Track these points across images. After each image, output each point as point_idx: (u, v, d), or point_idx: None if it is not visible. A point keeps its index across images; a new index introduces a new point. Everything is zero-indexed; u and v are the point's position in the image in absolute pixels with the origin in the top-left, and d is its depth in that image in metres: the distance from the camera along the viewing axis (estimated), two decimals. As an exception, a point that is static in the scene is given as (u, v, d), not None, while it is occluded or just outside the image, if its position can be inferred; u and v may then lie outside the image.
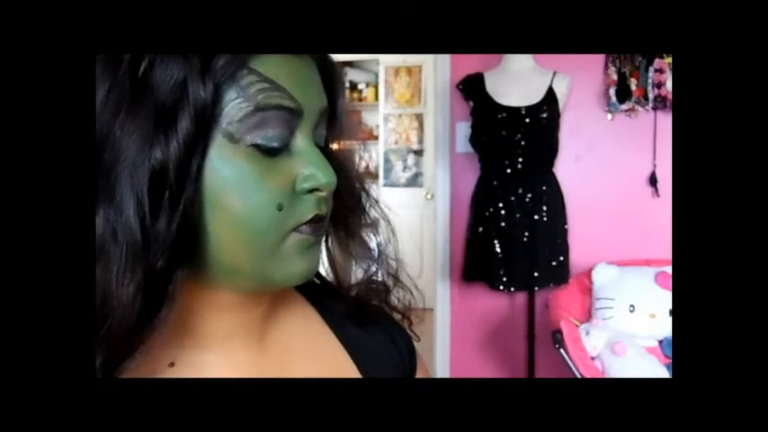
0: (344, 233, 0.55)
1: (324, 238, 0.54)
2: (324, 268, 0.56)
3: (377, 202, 0.57)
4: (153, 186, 0.39)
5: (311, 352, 0.54)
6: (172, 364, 0.47)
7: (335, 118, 0.52)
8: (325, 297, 0.59)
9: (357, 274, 0.57)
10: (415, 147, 4.70)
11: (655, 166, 2.54)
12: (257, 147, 0.43)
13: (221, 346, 0.49)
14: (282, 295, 0.55)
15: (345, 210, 0.54)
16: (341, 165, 0.52)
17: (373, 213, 0.56)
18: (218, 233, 0.43)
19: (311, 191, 0.45)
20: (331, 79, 0.50)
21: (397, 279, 0.58)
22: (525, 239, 2.38)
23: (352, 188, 0.55)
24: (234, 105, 0.42)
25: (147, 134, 0.39)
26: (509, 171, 2.40)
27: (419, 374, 0.61)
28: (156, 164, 0.39)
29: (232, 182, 0.42)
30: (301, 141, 0.46)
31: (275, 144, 0.44)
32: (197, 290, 0.46)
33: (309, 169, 0.45)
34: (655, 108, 2.49)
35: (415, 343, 0.62)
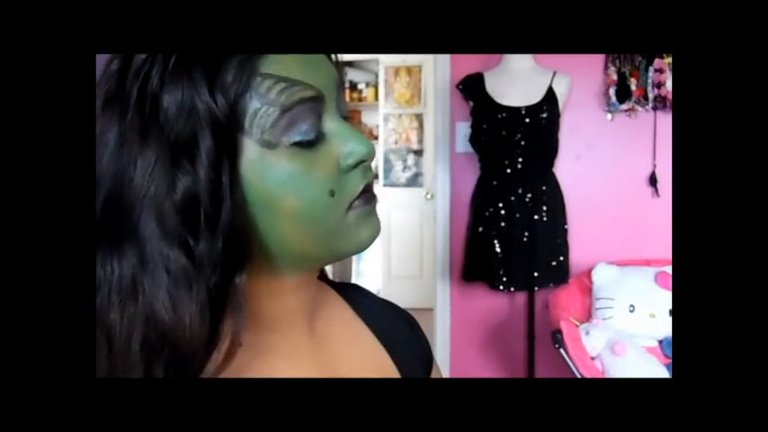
0: None
1: None
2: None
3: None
4: (186, 214, 0.40)
5: (348, 337, 0.57)
6: (240, 345, 0.47)
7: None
8: (348, 290, 0.63)
9: None
10: (415, 147, 4.70)
11: (655, 166, 2.55)
12: (298, 144, 0.44)
13: (284, 328, 0.51)
14: (317, 285, 0.57)
15: None
16: None
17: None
18: (280, 230, 0.45)
19: (356, 164, 0.47)
20: None
21: None
22: (525, 239, 2.38)
23: None
24: (261, 114, 0.43)
25: (167, 167, 0.40)
26: (509, 171, 2.40)
27: (433, 370, 0.65)
28: (186, 191, 0.40)
29: (283, 183, 0.44)
30: (330, 122, 0.47)
31: (312, 136, 0.45)
32: (265, 278, 0.48)
33: (348, 146, 0.46)
34: (655, 108, 2.50)
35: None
